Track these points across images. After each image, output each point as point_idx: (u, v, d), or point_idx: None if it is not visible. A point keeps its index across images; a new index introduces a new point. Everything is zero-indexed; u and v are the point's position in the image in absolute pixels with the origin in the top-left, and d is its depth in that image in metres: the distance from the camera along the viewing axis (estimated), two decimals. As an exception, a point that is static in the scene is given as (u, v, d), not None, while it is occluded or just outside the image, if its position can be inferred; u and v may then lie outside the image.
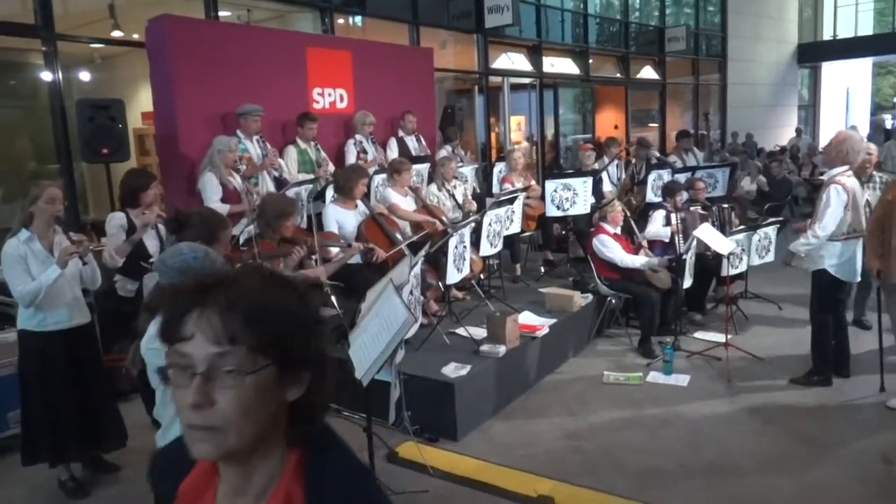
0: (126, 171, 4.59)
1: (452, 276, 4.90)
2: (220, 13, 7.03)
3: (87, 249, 3.55)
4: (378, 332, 2.65)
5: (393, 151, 7.06)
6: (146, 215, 4.15)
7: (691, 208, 6.46)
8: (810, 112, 22.49)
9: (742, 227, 6.31)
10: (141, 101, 8.33)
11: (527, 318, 5.18)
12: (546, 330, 5.06)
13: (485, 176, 9.00)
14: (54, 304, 3.50)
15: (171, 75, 5.52)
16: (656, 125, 15.67)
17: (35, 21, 5.60)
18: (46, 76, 5.78)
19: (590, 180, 6.63)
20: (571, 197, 6.55)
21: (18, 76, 8.40)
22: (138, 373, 2.36)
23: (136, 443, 4.03)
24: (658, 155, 8.88)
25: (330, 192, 5.56)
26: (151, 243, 4.18)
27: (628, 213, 6.15)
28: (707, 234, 5.42)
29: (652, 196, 7.56)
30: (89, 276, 3.67)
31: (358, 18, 9.05)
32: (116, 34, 6.84)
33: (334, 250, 4.56)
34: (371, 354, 2.63)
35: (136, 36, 6.66)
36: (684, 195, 6.33)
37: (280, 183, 5.82)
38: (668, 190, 6.28)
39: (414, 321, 2.57)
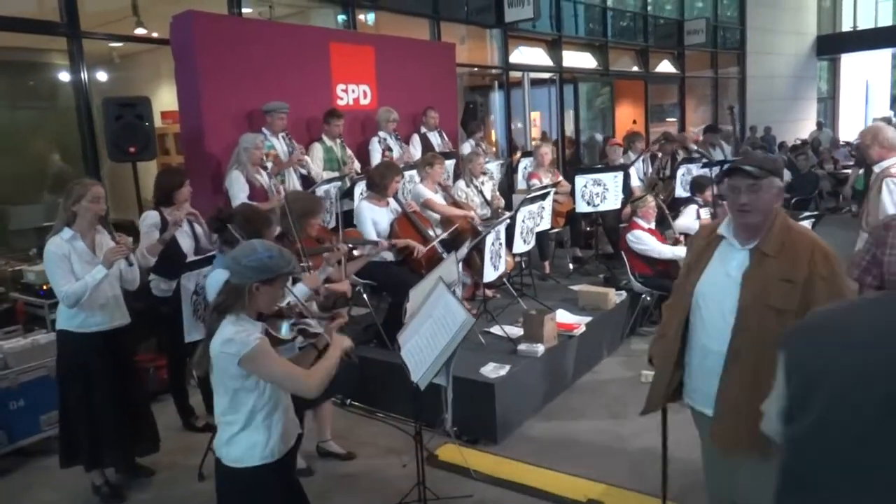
0: (159, 170, 4.54)
1: (489, 274, 4.79)
2: (243, 10, 6.94)
3: (132, 250, 3.48)
4: (434, 334, 2.55)
5: (417, 148, 6.97)
6: (175, 213, 4.09)
7: (721, 202, 6.33)
8: (829, 105, 22.17)
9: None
10: (161, 101, 8.27)
11: (562, 316, 5.06)
12: (583, 328, 4.95)
13: (507, 172, 8.90)
14: (96, 305, 3.43)
15: (196, 72, 5.45)
16: (675, 119, 15.48)
17: (60, 19, 5.53)
18: (70, 75, 5.72)
19: (620, 175, 6.49)
20: (602, 192, 6.42)
21: (40, 77, 8.37)
22: (202, 376, 2.28)
23: (167, 446, 3.98)
24: (695, 148, 8.72)
25: (358, 190, 5.48)
26: (186, 242, 4.12)
27: (663, 208, 6.01)
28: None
29: (680, 191, 7.42)
30: (130, 276, 3.59)
31: (372, 15, 8.95)
32: (139, 32, 6.76)
33: (360, 248, 4.46)
34: (427, 357, 2.53)
35: (155, 35, 6.59)
36: (714, 190, 6.21)
37: (307, 181, 5.75)
38: (698, 185, 6.15)
39: (473, 321, 2.46)
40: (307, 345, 2.47)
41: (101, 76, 8.58)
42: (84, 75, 5.70)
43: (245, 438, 2.25)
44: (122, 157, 5.09)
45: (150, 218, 4.13)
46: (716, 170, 7.26)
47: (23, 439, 4.05)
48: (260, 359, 2.15)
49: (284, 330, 2.36)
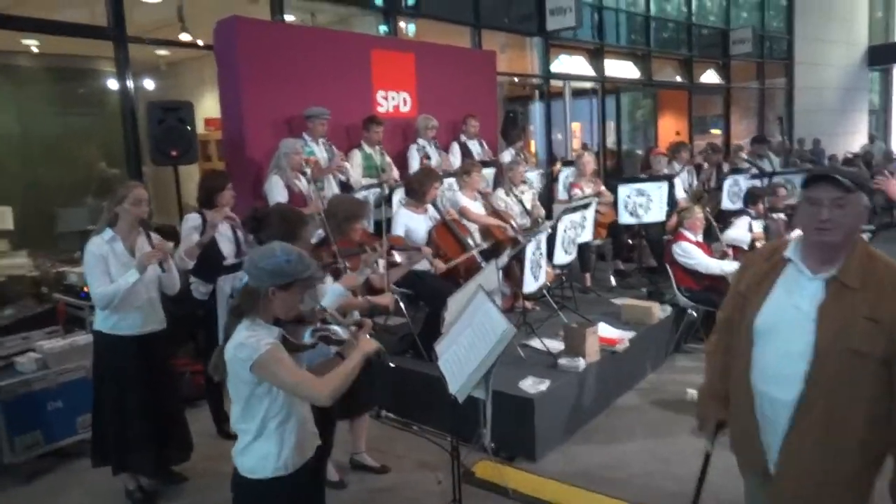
0: (203, 173, 4.55)
1: (529, 285, 4.66)
2: (285, 17, 6.97)
3: (168, 255, 3.45)
4: (473, 344, 2.44)
5: (456, 156, 6.89)
6: (213, 215, 4.07)
7: (773, 215, 6.11)
8: (881, 117, 21.45)
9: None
10: (204, 108, 8.37)
11: (604, 330, 4.90)
12: (626, 343, 4.78)
13: (546, 182, 8.76)
14: (129, 308, 3.41)
15: (238, 77, 5.46)
16: (719, 131, 15.13)
17: (108, 24, 5.61)
18: (117, 80, 5.79)
19: (665, 185, 6.31)
20: (646, 203, 6.25)
21: (87, 84, 8.56)
22: (216, 381, 2.20)
23: (200, 452, 3.93)
24: (746, 157, 8.48)
25: (397, 197, 5.41)
26: (226, 246, 4.10)
27: (711, 219, 5.81)
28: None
29: (727, 202, 7.21)
30: (168, 281, 3.57)
31: (413, 26, 8.91)
32: (184, 38, 6.84)
33: (400, 255, 4.37)
34: (466, 368, 2.42)
35: (200, 42, 6.65)
36: (766, 202, 6.00)
37: (346, 187, 5.70)
38: (753, 196, 5.93)
39: (514, 331, 2.35)
40: (335, 353, 2.37)
41: (148, 83, 8.75)
42: (130, 81, 5.76)
43: (257, 448, 2.18)
44: (163, 161, 5.12)
45: (191, 221, 4.13)
46: (766, 181, 7.04)
47: (59, 440, 4.05)
48: (271, 365, 2.07)
49: (305, 336, 2.28)
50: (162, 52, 8.10)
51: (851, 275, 1.88)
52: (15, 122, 8.05)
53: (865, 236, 5.82)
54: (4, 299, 4.87)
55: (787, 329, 1.91)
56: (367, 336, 2.32)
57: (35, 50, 7.85)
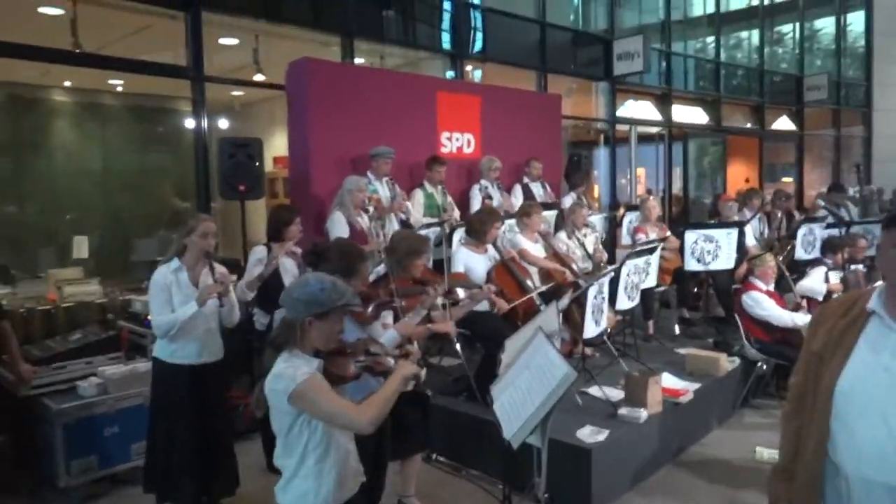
0: (272, 207, 4.65)
1: (590, 330, 4.51)
2: (355, 60, 7.17)
3: (229, 289, 3.50)
4: (530, 388, 2.34)
5: (518, 198, 6.84)
6: (274, 250, 4.12)
7: (852, 266, 5.79)
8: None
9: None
10: (273, 146, 8.64)
11: (668, 380, 4.68)
12: (691, 395, 4.54)
13: (609, 226, 8.59)
14: (187, 338, 3.45)
15: (307, 116, 5.61)
16: (791, 179, 14.63)
17: (187, 64, 5.88)
18: (193, 118, 6.05)
19: (734, 232, 6.07)
20: (714, 250, 6.01)
21: (166, 122, 9.00)
22: (262, 417, 2.16)
23: (249, 487, 3.90)
24: (823, 205, 8.13)
25: (456, 237, 5.38)
26: (289, 280, 4.14)
27: (784, 269, 5.54)
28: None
29: (801, 252, 6.87)
30: (227, 314, 3.61)
31: (479, 72, 9.03)
32: (258, 78, 7.12)
33: (464, 293, 4.31)
34: (523, 413, 2.32)
35: (273, 83, 6.89)
36: (845, 253, 5.69)
37: (406, 226, 5.72)
38: (831, 246, 5.64)
39: (575, 375, 2.24)
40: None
41: (222, 123, 9.12)
42: (204, 120, 6.00)
43: (297, 486, 2.13)
44: (231, 195, 5.26)
45: (257, 253, 4.21)
46: (843, 231, 6.71)
47: (114, 466, 4.10)
48: (309, 394, 2.02)
49: (350, 367, 2.23)
50: (236, 92, 8.44)
51: None
52: (97, 156, 8.50)
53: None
54: (73, 324, 5.03)
55: (880, 394, 1.63)
56: (408, 361, 2.25)
57: (119, 89, 8.32)
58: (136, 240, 8.22)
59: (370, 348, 2.31)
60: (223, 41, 6.83)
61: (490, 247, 4.86)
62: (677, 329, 6.55)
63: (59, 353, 4.44)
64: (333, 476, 2.13)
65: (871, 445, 1.62)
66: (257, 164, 5.33)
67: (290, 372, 2.03)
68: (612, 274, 4.91)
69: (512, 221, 5.71)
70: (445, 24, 8.16)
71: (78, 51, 5.59)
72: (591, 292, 4.42)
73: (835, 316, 1.82)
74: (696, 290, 7.05)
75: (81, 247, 6.41)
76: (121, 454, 4.10)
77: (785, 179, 14.69)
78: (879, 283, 1.77)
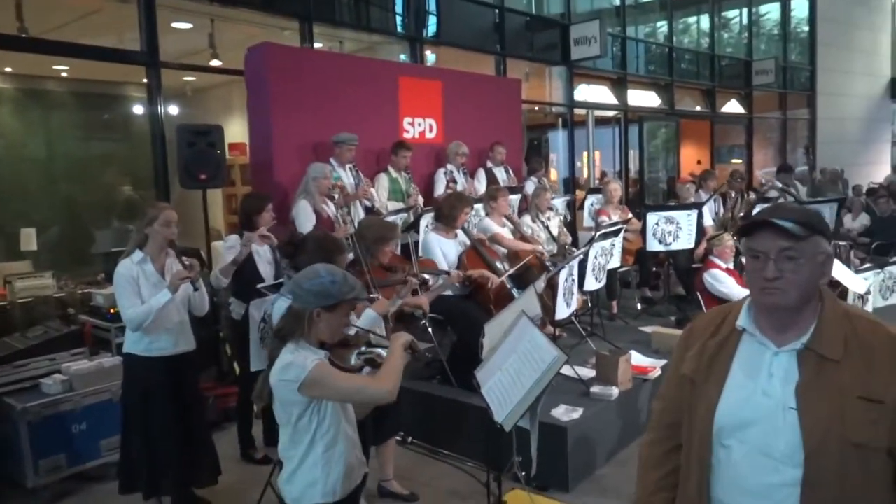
0: (242, 196, 4.59)
1: (562, 311, 4.58)
2: (315, 45, 7.05)
3: (199, 275, 3.43)
4: (519, 371, 2.36)
5: (481, 182, 6.87)
6: (247, 235, 4.06)
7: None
8: (904, 148, 21.26)
9: (868, 265, 5.77)
10: (228, 132, 8.42)
11: (636, 358, 4.79)
12: (658, 371, 4.66)
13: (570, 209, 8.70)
14: (160, 330, 3.37)
15: (268, 102, 5.50)
16: (741, 160, 15.04)
17: (140, 49, 5.69)
18: (148, 105, 5.86)
19: (695, 213, 6.23)
20: (674, 231, 6.16)
21: (115, 109, 8.70)
22: (263, 407, 2.14)
23: (226, 477, 3.85)
24: (781, 186, 8.38)
25: (424, 222, 5.37)
26: (265, 267, 4.12)
27: (740, 248, 5.70)
28: (839, 272, 4.93)
29: (756, 231, 7.09)
30: (198, 302, 3.54)
31: (433, 56, 8.98)
32: (214, 64, 6.94)
33: (433, 278, 4.32)
34: (513, 396, 2.34)
35: (229, 67, 6.73)
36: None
37: (371, 212, 5.68)
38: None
39: (565, 359, 2.27)
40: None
41: (173, 109, 8.86)
42: (161, 106, 5.81)
43: (304, 475, 2.11)
44: (192, 184, 5.12)
45: (230, 241, 4.15)
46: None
47: (83, 463, 3.99)
48: (322, 379, 2.01)
49: (352, 360, 2.23)
50: (189, 77, 8.20)
51: (828, 342, 1.42)
52: (42, 145, 8.17)
53: (873, 273, 5.71)
54: (31, 321, 4.86)
55: (761, 424, 1.43)
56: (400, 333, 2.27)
57: (64, 75, 8.00)
58: (90, 231, 7.94)
59: (371, 340, 2.31)
60: (176, 25, 6.62)
61: (460, 231, 4.88)
62: (640, 308, 6.69)
63: (20, 350, 4.28)
64: (342, 465, 2.13)
65: (750, 478, 1.45)
66: (218, 151, 5.20)
67: (299, 360, 2.01)
68: (582, 256, 4.98)
69: (479, 206, 5.74)
70: (402, 7, 8.08)
71: (24, 35, 5.35)
72: (563, 275, 4.48)
73: (704, 336, 1.60)
74: (654, 269, 7.22)
75: (30, 239, 6.17)
76: (89, 451, 3.99)
77: (735, 161, 15.09)
78: (746, 291, 1.56)
